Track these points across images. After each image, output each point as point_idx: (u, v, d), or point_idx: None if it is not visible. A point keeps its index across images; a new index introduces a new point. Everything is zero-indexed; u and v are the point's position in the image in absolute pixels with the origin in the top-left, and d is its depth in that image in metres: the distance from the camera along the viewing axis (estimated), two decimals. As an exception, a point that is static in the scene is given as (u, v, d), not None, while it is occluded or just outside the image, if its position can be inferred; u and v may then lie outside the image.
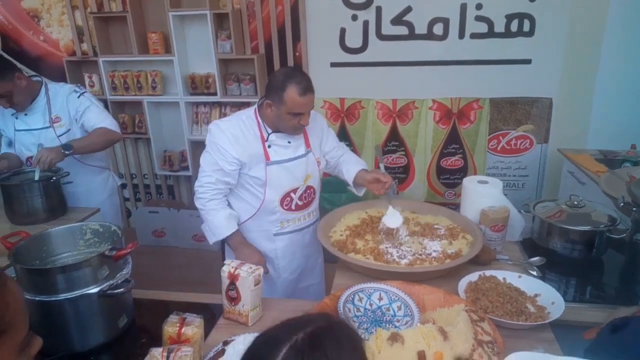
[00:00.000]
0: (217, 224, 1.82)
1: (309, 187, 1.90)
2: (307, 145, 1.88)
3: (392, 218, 1.77)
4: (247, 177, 1.81)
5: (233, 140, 1.74)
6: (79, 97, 2.30)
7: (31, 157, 2.28)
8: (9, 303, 0.72)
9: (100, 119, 2.29)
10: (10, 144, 2.35)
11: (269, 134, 1.79)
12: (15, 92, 2.14)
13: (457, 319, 1.19)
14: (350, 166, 2.00)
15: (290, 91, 1.64)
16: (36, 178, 2.12)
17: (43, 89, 2.29)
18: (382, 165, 1.98)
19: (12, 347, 0.71)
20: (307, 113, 1.72)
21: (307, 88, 1.67)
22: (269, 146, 1.79)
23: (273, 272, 1.96)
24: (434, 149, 3.42)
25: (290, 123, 1.71)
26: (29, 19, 3.60)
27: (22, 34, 3.65)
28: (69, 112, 2.29)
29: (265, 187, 1.81)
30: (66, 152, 2.13)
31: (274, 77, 1.71)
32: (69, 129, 2.29)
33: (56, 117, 2.28)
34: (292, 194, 1.86)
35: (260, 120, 1.79)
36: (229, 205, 1.88)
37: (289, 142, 1.82)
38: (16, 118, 2.29)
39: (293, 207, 1.88)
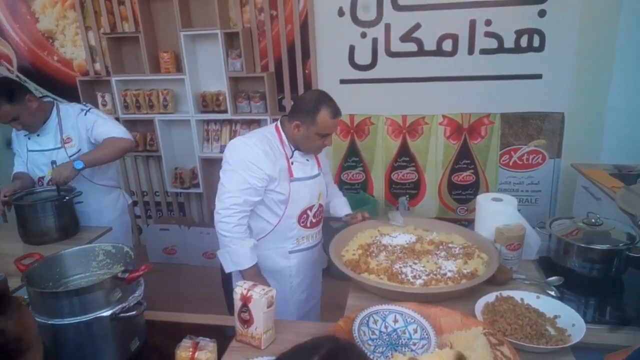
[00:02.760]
0: (242, 254, 1.78)
1: (320, 206, 1.96)
2: (319, 165, 1.95)
3: (395, 215, 2.01)
4: (271, 194, 1.82)
5: (264, 155, 1.75)
6: (85, 114, 2.31)
7: (42, 178, 2.31)
8: (30, 322, 0.76)
9: (107, 129, 2.28)
10: (23, 164, 2.38)
11: (292, 151, 1.84)
12: (27, 114, 2.17)
13: (475, 343, 1.16)
14: (338, 206, 2.13)
15: (323, 113, 1.72)
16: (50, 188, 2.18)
17: (54, 110, 2.31)
18: (393, 215, 2.04)
19: None
20: (331, 135, 1.82)
21: (337, 111, 1.76)
22: (292, 163, 1.84)
23: (287, 292, 1.94)
24: (445, 164, 3.40)
25: (316, 143, 1.80)
26: (44, 40, 3.68)
27: (37, 54, 3.73)
28: (79, 131, 2.30)
29: (287, 204, 1.84)
30: (77, 168, 2.12)
31: (304, 100, 1.78)
32: (80, 149, 2.30)
33: (67, 137, 2.29)
34: (308, 212, 1.90)
35: (284, 138, 1.84)
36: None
37: (308, 160, 1.89)
38: (28, 139, 2.32)
39: (309, 224, 1.92)
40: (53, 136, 2.29)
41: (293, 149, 1.84)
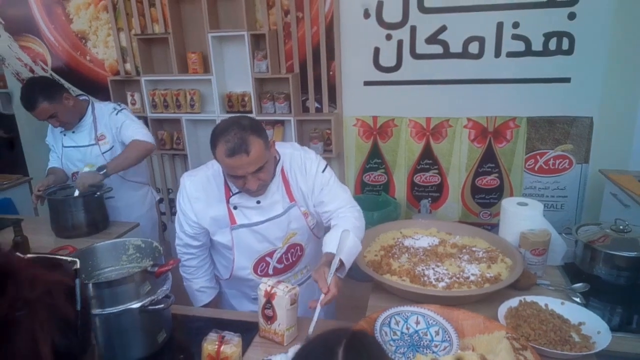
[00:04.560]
0: (189, 292, 1.77)
1: (292, 247, 1.64)
2: (291, 198, 1.59)
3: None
4: (213, 242, 1.66)
5: (194, 201, 1.56)
6: (117, 114, 2.38)
7: (76, 173, 2.39)
8: (90, 320, 0.77)
9: (132, 132, 2.33)
10: (58, 159, 2.47)
11: (233, 194, 1.54)
12: (63, 112, 2.26)
13: (498, 347, 1.16)
14: (326, 242, 1.48)
15: (219, 151, 1.38)
16: (75, 194, 2.19)
17: (90, 108, 2.41)
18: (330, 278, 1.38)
19: None
20: (251, 176, 1.40)
21: (237, 149, 1.34)
22: (235, 207, 1.55)
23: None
24: (469, 167, 3.37)
25: (237, 184, 1.46)
26: (77, 40, 3.80)
27: (70, 54, 3.85)
28: (111, 130, 2.39)
29: (233, 253, 1.61)
30: (101, 174, 2.20)
31: (213, 131, 1.42)
32: (113, 146, 2.40)
33: (101, 134, 2.38)
34: (267, 259, 1.62)
35: (225, 178, 1.54)
36: (213, 260, 1.76)
37: (258, 203, 1.54)
38: (64, 135, 2.41)
39: (271, 271, 1.65)
40: (88, 133, 2.38)
41: (234, 191, 1.54)
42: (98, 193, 2.26)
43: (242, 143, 1.35)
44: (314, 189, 1.60)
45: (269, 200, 1.56)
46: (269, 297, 1.40)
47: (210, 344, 1.20)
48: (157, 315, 1.38)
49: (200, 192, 1.56)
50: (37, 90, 2.20)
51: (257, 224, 1.57)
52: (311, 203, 1.62)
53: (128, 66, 3.73)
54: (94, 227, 2.27)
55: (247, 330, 1.46)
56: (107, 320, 1.30)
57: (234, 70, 3.46)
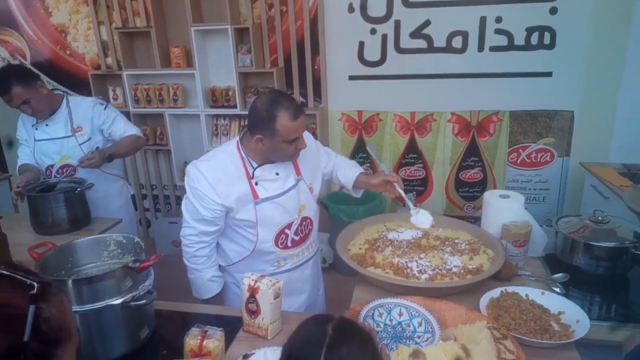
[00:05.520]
0: (199, 285, 1.76)
1: (304, 219, 1.75)
2: (297, 172, 1.72)
3: (421, 218, 1.70)
4: (235, 221, 1.67)
5: (215, 183, 1.58)
6: (105, 109, 2.43)
7: (52, 166, 2.38)
8: (69, 308, 0.73)
9: (128, 127, 2.48)
10: (30, 154, 2.44)
11: (254, 169, 1.63)
12: (37, 99, 2.24)
13: (479, 337, 1.17)
14: (347, 170, 1.85)
15: (282, 119, 1.49)
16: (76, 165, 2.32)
17: (64, 101, 2.40)
18: (384, 166, 1.84)
19: (73, 353, 0.72)
20: (302, 136, 1.59)
21: (298, 110, 1.53)
22: (256, 183, 1.63)
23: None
24: (453, 161, 3.40)
25: (288, 151, 1.58)
26: (57, 34, 3.72)
27: (50, 48, 3.78)
28: (92, 122, 2.39)
29: (257, 228, 1.66)
30: (107, 160, 2.33)
31: (257, 110, 1.53)
32: (90, 138, 2.40)
33: (78, 126, 2.38)
34: (286, 231, 1.70)
35: (244, 156, 1.63)
36: (219, 245, 1.77)
37: (277, 174, 1.66)
38: (36, 129, 2.39)
39: (289, 244, 1.73)
40: (63, 125, 2.37)
41: (255, 165, 1.63)
42: (79, 189, 2.23)
43: (298, 106, 1.55)
44: (321, 157, 1.84)
45: (284, 172, 1.67)
46: (253, 291, 1.40)
47: (192, 339, 1.19)
48: (139, 311, 1.36)
49: (220, 173, 1.60)
50: (11, 75, 2.19)
51: (277, 196, 1.66)
52: (320, 169, 1.83)
53: (109, 60, 3.67)
54: (75, 223, 2.24)
55: (231, 325, 1.46)
56: (87, 317, 1.28)
57: (218, 64, 3.43)
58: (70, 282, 1.29)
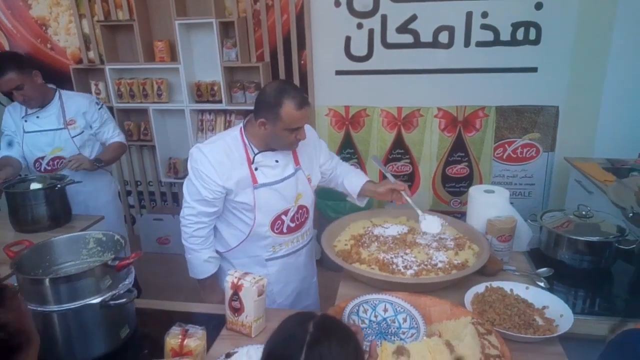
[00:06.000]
0: (196, 265, 1.78)
1: (300, 207, 1.79)
2: (296, 162, 1.77)
3: (430, 223, 1.77)
4: (234, 203, 1.70)
5: (217, 165, 1.62)
6: (99, 109, 2.49)
7: (41, 159, 2.38)
8: (27, 312, 0.72)
9: (115, 133, 2.54)
10: (10, 144, 2.40)
11: (255, 155, 1.68)
12: (31, 86, 2.24)
13: (464, 332, 1.17)
14: (353, 179, 1.92)
15: (287, 107, 1.55)
16: (63, 171, 2.32)
17: (57, 95, 2.41)
18: (389, 175, 1.88)
19: (35, 357, 0.70)
20: (303, 127, 1.65)
21: (303, 101, 1.58)
22: (256, 168, 1.68)
23: (266, 299, 1.88)
24: (440, 157, 3.40)
25: (288, 139, 1.63)
26: (37, 27, 3.64)
27: (30, 42, 3.69)
28: (85, 117, 2.43)
29: (254, 212, 1.70)
30: (98, 165, 2.35)
31: (265, 94, 1.59)
32: (83, 131, 2.42)
33: (71, 119, 2.39)
34: (283, 217, 1.75)
35: (246, 141, 1.68)
36: (217, 230, 1.80)
37: (277, 162, 1.71)
38: (25, 121, 2.36)
39: (285, 230, 1.78)
40: (56, 117, 2.38)
41: (256, 151, 1.68)
42: (59, 185, 2.18)
43: (304, 97, 1.60)
44: (321, 153, 1.89)
45: (284, 160, 1.72)
46: (236, 288, 1.38)
47: (173, 338, 1.17)
48: (119, 310, 1.34)
49: (222, 156, 1.64)
50: (7, 60, 2.21)
51: (275, 182, 1.70)
52: (317, 162, 1.87)
53: (91, 54, 3.59)
54: (55, 220, 2.19)
55: (214, 323, 1.44)
56: (66, 316, 1.26)
57: (203, 58, 3.38)
58: (47, 281, 1.25)
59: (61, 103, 2.39)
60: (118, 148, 2.53)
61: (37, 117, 2.36)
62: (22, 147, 2.38)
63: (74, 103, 2.41)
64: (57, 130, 2.37)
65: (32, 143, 2.38)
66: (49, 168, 2.37)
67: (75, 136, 2.40)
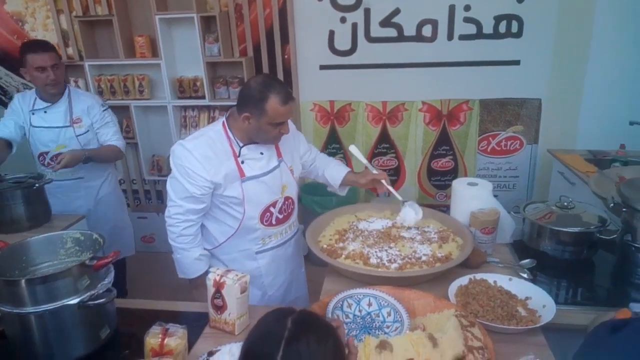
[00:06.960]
0: (186, 264, 1.75)
1: (287, 199, 1.81)
2: (279, 154, 1.78)
3: (407, 215, 1.81)
4: (222, 198, 1.69)
5: (203, 160, 1.60)
6: (104, 110, 2.52)
7: (45, 153, 2.43)
8: None
9: (115, 137, 2.54)
10: (6, 125, 2.38)
11: (240, 148, 1.67)
12: (62, 71, 2.36)
13: (447, 325, 1.17)
14: (334, 170, 1.94)
15: (272, 101, 1.55)
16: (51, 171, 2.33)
17: (67, 92, 2.45)
18: (368, 164, 1.95)
19: None
20: (287, 122, 1.66)
21: (288, 96, 1.59)
22: (242, 162, 1.68)
23: (258, 292, 1.88)
24: (425, 150, 3.41)
25: (272, 134, 1.63)
26: (13, 23, 3.55)
27: (5, 38, 3.59)
28: (90, 117, 2.46)
29: (243, 205, 1.69)
30: (85, 155, 2.35)
31: (250, 88, 1.59)
32: (88, 130, 2.46)
33: (77, 118, 2.43)
34: (271, 209, 1.76)
35: (230, 135, 1.67)
36: (204, 227, 1.78)
37: (262, 154, 1.72)
38: (33, 114, 2.39)
39: (274, 221, 1.79)
40: (63, 115, 2.41)
41: (241, 145, 1.67)
42: (37, 185, 2.13)
43: (289, 92, 1.61)
44: (300, 144, 1.91)
45: (268, 152, 1.73)
46: (218, 286, 1.36)
47: (152, 338, 1.15)
48: (98, 311, 1.31)
49: (208, 151, 1.63)
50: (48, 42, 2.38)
51: (262, 174, 1.71)
52: (298, 154, 1.88)
53: (70, 50, 3.51)
54: (34, 220, 2.16)
55: (196, 322, 1.42)
56: (43, 318, 1.23)
57: (185, 54, 3.33)
58: (23, 282, 1.22)
59: (69, 100, 2.43)
60: (110, 150, 2.51)
61: (45, 112, 2.39)
62: (29, 141, 2.44)
63: (80, 101, 2.45)
64: (63, 128, 2.40)
65: (37, 138, 2.42)
66: (53, 163, 2.36)
67: (80, 135, 2.43)
